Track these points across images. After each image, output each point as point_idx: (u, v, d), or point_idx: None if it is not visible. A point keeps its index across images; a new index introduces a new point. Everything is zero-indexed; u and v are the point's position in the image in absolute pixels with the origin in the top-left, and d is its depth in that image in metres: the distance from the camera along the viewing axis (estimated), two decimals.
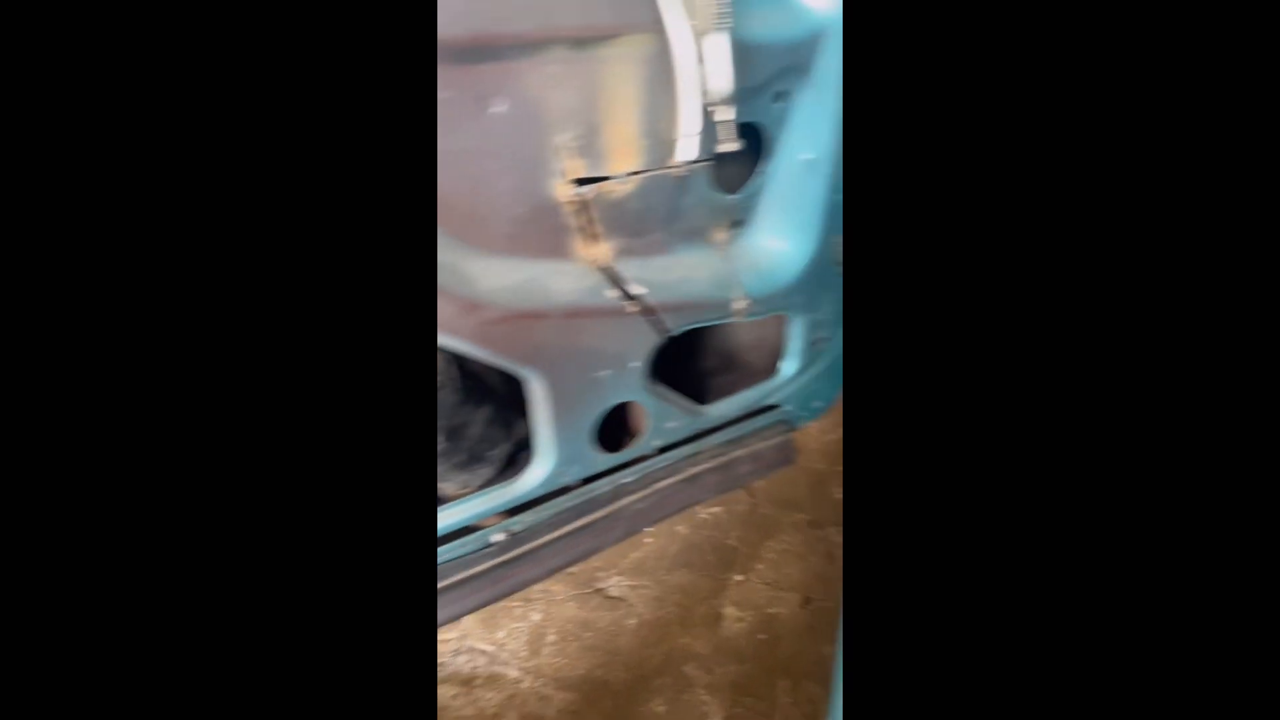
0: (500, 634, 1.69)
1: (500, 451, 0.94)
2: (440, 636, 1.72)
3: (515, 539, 0.97)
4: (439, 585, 0.89)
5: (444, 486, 0.95)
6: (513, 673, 1.60)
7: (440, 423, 0.83)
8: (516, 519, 0.98)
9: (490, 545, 0.95)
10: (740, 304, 1.01)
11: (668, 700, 1.51)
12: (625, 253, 0.89)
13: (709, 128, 0.82)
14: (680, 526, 2.02)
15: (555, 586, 1.83)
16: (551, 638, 1.68)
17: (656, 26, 0.73)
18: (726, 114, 0.76)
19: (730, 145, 0.79)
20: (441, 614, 0.88)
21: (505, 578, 0.93)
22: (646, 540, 1.97)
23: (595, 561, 1.92)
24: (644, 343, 0.94)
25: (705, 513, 2.07)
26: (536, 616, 1.74)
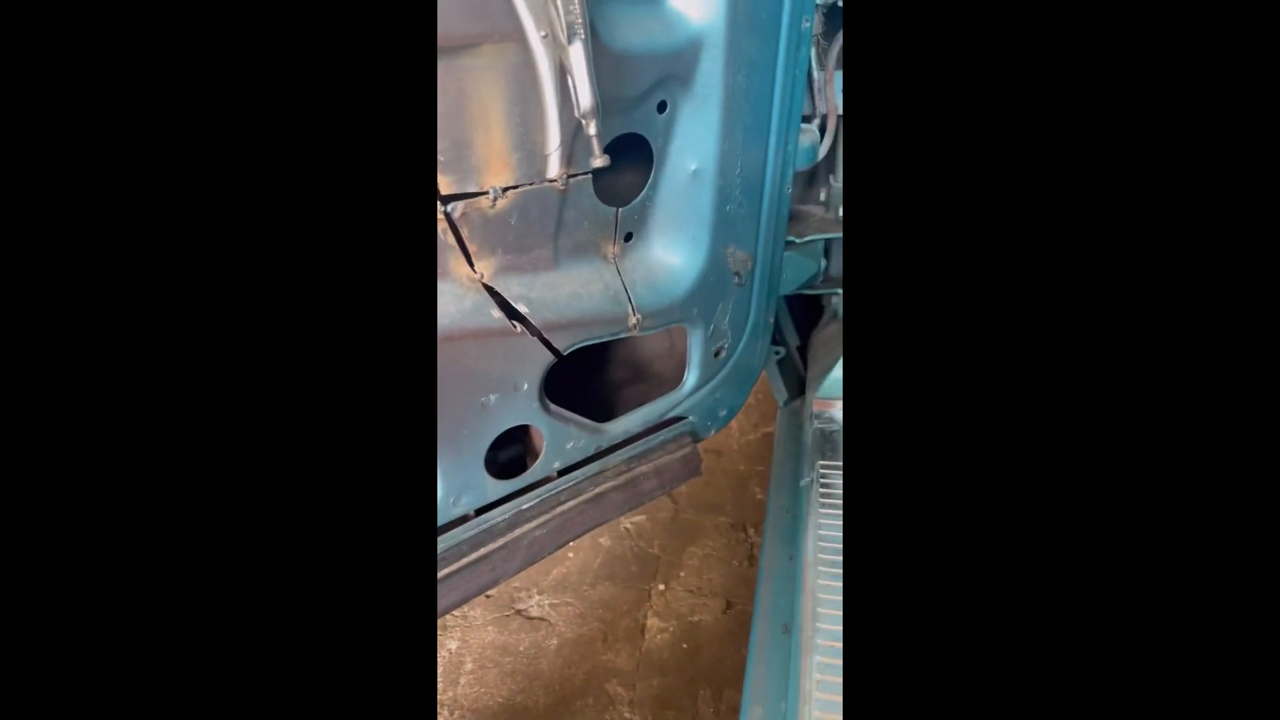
0: None
1: None
2: None
3: None
4: None
5: None
6: None
7: None
8: None
9: None
10: (633, 319, 0.98)
11: None
12: (508, 269, 0.85)
13: (582, 141, 0.79)
14: (603, 538, 1.99)
15: (473, 611, 1.76)
16: (469, 666, 1.61)
17: (518, 35, 0.69)
18: (592, 128, 0.73)
19: (599, 161, 0.76)
20: None
21: None
22: (569, 555, 1.93)
23: (515, 581, 1.86)
24: (534, 363, 0.90)
25: (628, 522, 2.05)
26: (453, 645, 1.67)
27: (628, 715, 1.49)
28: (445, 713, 1.50)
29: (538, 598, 1.80)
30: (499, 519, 1.00)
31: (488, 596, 1.80)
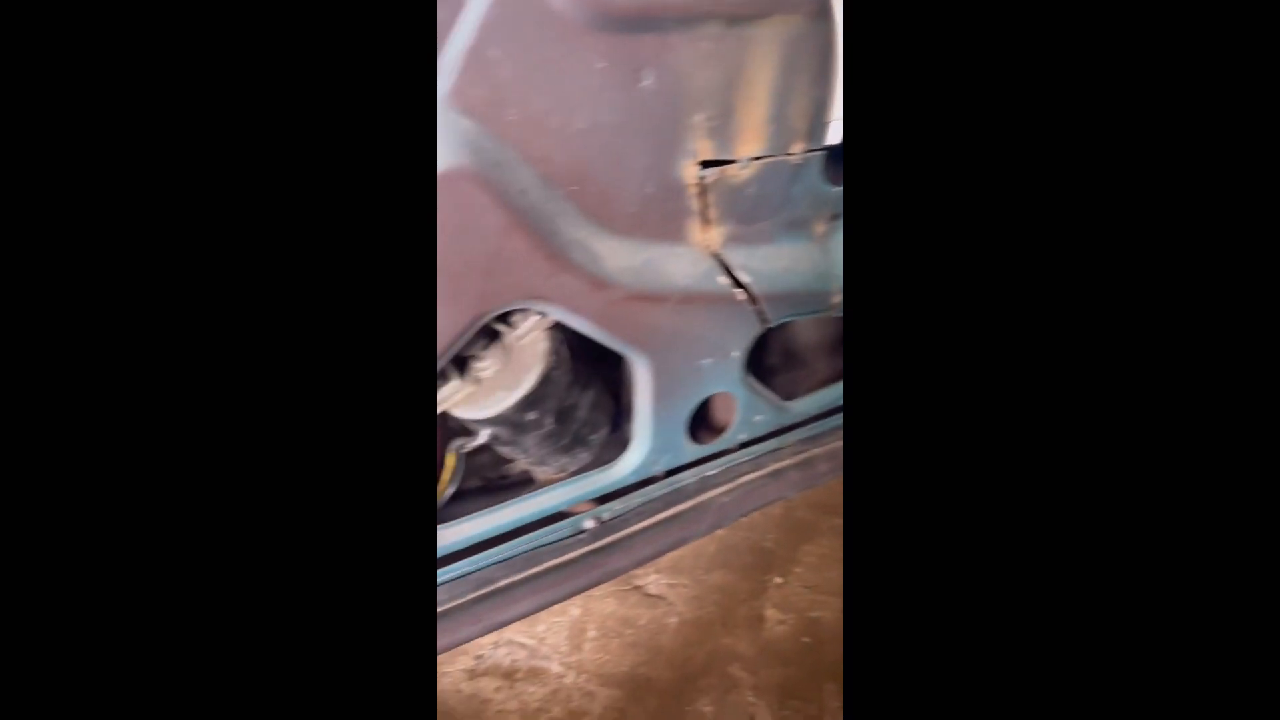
0: (540, 628, 1.67)
1: (600, 436, 0.92)
2: None
3: (605, 527, 0.95)
4: (534, 570, 0.87)
5: (541, 470, 0.93)
6: (555, 667, 1.58)
7: (551, 403, 0.81)
8: (606, 507, 0.96)
9: (581, 532, 0.94)
10: (836, 298, 1.00)
11: (714, 701, 1.50)
12: (734, 240, 0.88)
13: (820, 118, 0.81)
14: None
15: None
16: (592, 633, 1.66)
17: (808, 8, 0.72)
18: None
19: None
20: (535, 600, 0.86)
21: (597, 566, 0.91)
22: None
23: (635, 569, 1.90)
24: (746, 332, 0.93)
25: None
26: (576, 612, 1.72)
27: (752, 699, 1.50)
28: (573, 675, 1.55)
29: (654, 576, 1.83)
30: (688, 482, 1.03)
31: None
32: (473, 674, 1.56)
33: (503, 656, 1.60)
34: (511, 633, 1.66)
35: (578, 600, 1.74)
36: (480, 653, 1.61)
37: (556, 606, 1.73)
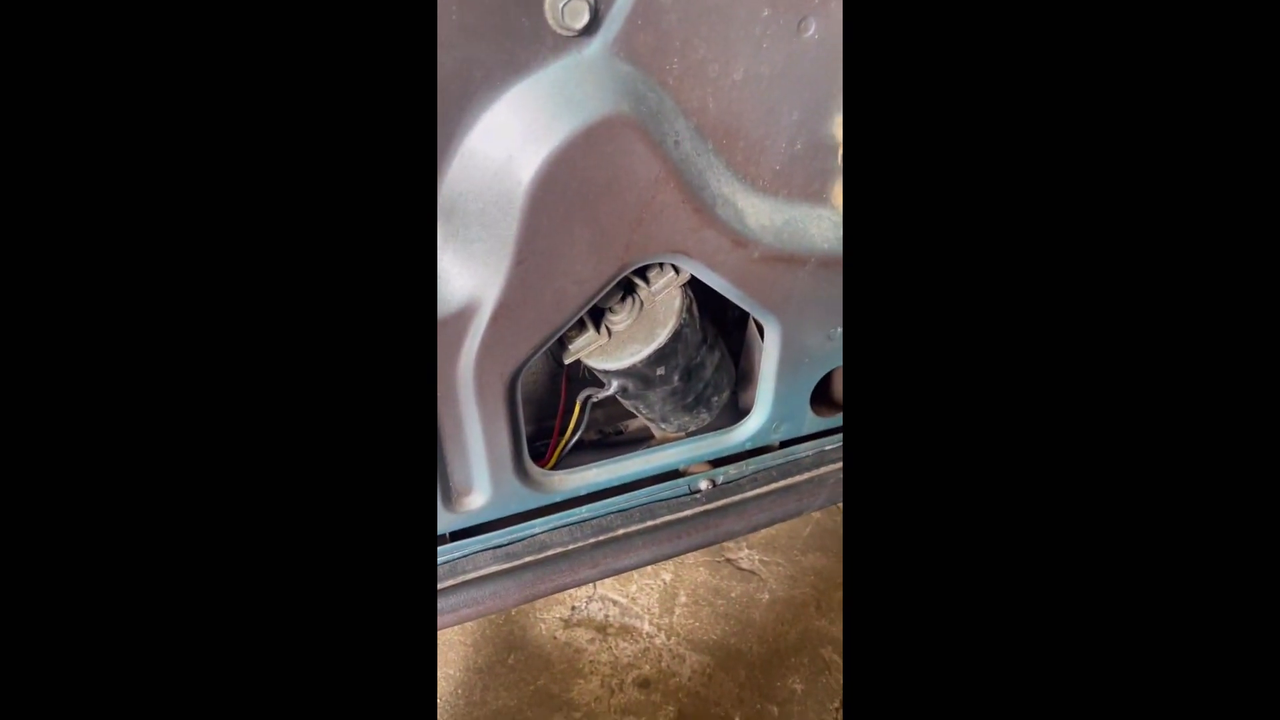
0: (632, 588, 1.71)
1: (722, 398, 0.92)
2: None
3: (719, 490, 0.95)
4: (651, 523, 0.89)
5: (662, 427, 0.94)
6: (646, 627, 1.62)
7: (680, 360, 0.82)
8: (720, 470, 0.97)
9: (696, 492, 0.95)
10: None
11: (804, 679, 1.48)
12: None
13: None
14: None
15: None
16: (683, 599, 1.68)
17: None
18: None
19: None
20: (651, 552, 0.88)
21: (710, 526, 0.91)
22: None
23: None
24: None
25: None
26: (667, 576, 1.75)
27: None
28: (663, 636, 1.59)
29: (747, 551, 1.82)
30: (804, 454, 1.01)
31: None
32: (568, 623, 1.62)
33: (596, 611, 1.66)
34: (605, 589, 1.72)
35: (669, 565, 1.77)
36: (575, 604, 1.68)
37: (649, 569, 1.78)
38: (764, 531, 1.89)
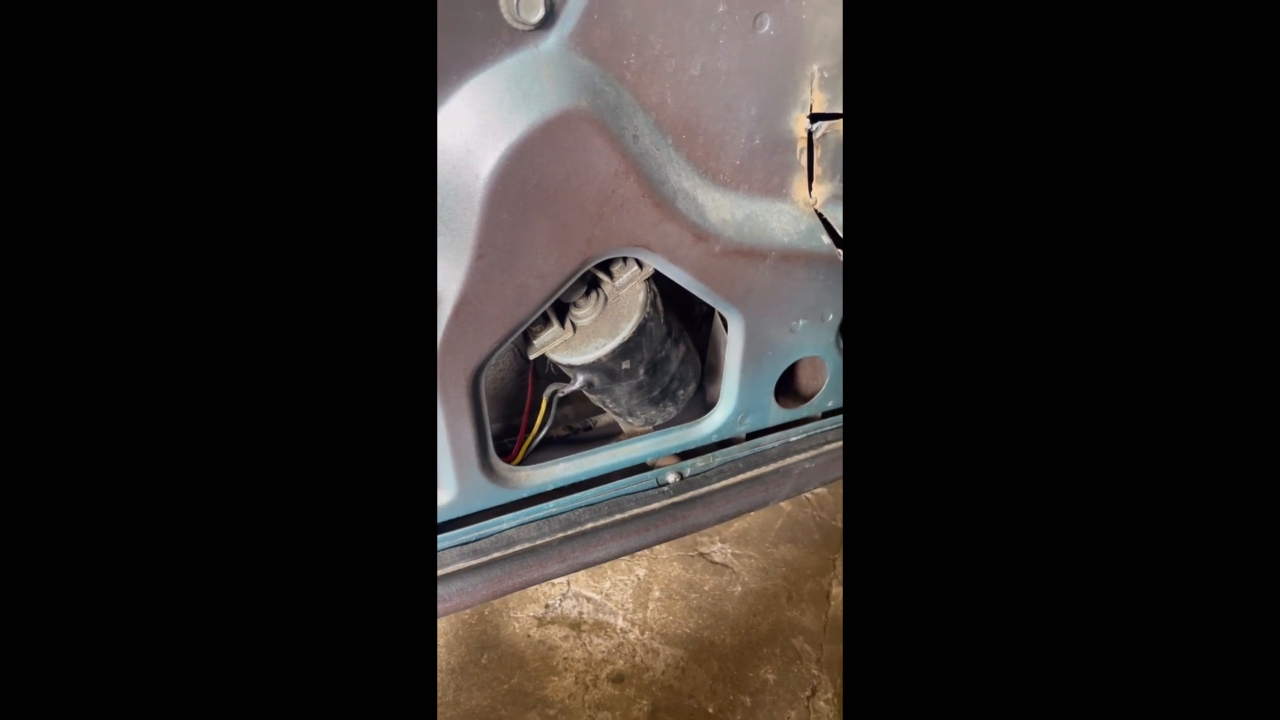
0: (606, 584, 1.72)
1: (687, 392, 0.93)
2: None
3: (686, 482, 0.96)
4: (618, 516, 0.90)
5: (628, 421, 0.95)
6: (620, 622, 1.62)
7: (645, 354, 0.82)
8: (688, 463, 0.98)
9: (664, 485, 0.95)
10: None
11: (777, 670, 1.50)
12: (837, 198, 0.86)
13: None
14: (784, 503, 1.99)
15: (658, 545, 1.84)
16: (657, 594, 1.69)
17: None
18: None
19: None
20: (619, 545, 0.89)
21: (677, 518, 0.92)
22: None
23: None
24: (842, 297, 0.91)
25: (809, 493, 2.04)
26: (641, 572, 1.75)
27: (815, 672, 1.50)
28: (637, 631, 1.59)
29: (720, 545, 1.84)
30: (770, 445, 1.03)
31: None
32: (542, 621, 1.62)
33: (570, 608, 1.66)
34: (579, 586, 1.72)
35: (643, 561, 1.78)
36: (549, 602, 1.67)
37: (623, 565, 1.78)
38: (736, 525, 1.91)
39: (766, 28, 0.67)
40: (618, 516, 0.90)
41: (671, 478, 0.96)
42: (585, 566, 0.87)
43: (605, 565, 1.77)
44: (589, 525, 0.88)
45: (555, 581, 1.73)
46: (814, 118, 0.77)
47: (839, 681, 1.47)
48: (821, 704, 1.43)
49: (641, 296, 0.79)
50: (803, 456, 1.01)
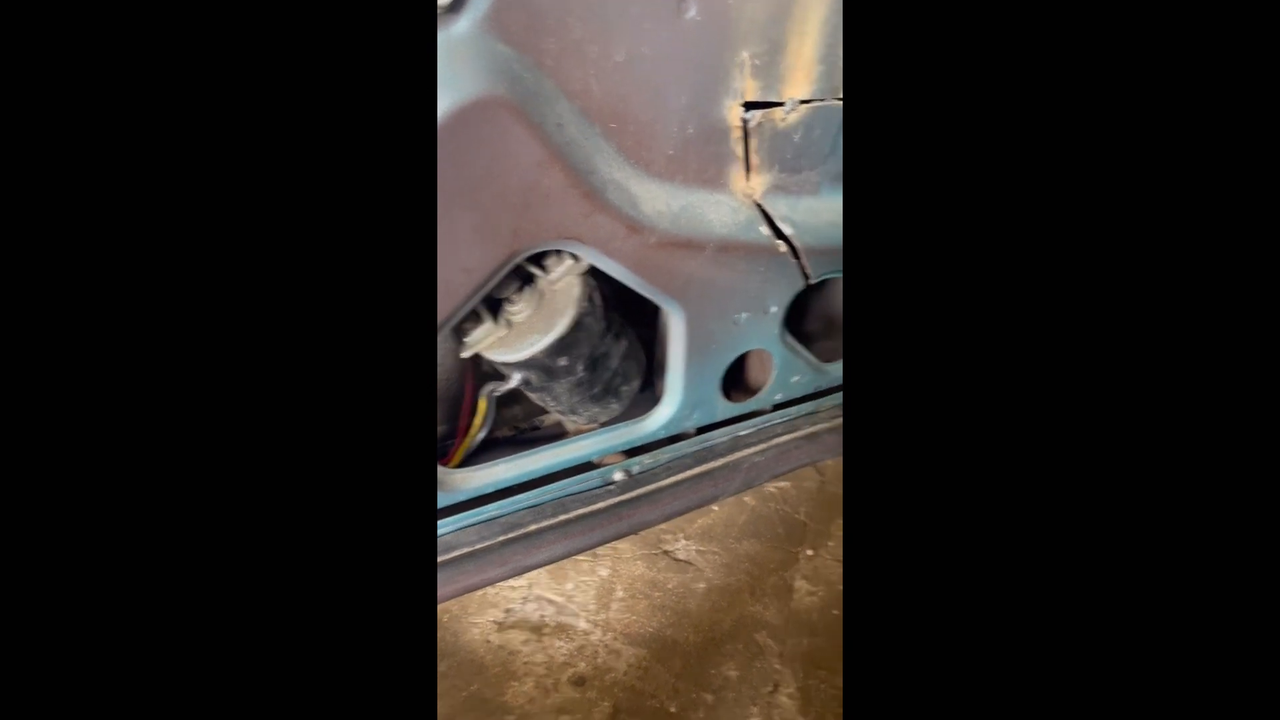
0: (569, 586, 1.69)
1: (631, 388, 0.91)
2: (510, 583, 1.73)
3: (633, 480, 0.95)
4: (563, 517, 0.87)
5: (572, 419, 0.93)
6: (582, 624, 1.60)
7: (584, 350, 0.80)
8: (635, 460, 0.96)
9: (610, 484, 0.93)
10: None
11: (739, 666, 1.50)
12: (777, 188, 0.85)
13: None
14: (748, 498, 1.99)
15: (622, 544, 1.82)
16: (620, 594, 1.67)
17: None
18: None
19: None
20: (564, 547, 0.86)
21: (624, 517, 0.90)
22: (713, 508, 1.95)
23: (661, 524, 1.91)
24: (786, 288, 0.90)
25: (773, 486, 2.04)
26: (604, 572, 1.73)
27: (778, 666, 1.49)
28: (600, 632, 1.57)
29: (684, 542, 1.83)
30: (719, 440, 1.01)
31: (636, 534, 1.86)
32: (502, 626, 1.59)
33: (531, 611, 1.63)
34: (540, 588, 1.69)
35: (606, 561, 1.76)
36: (510, 605, 1.64)
37: (585, 566, 1.76)
38: (700, 520, 1.91)
39: (692, 13, 0.66)
40: (562, 517, 0.88)
41: (618, 476, 0.94)
42: (528, 570, 0.84)
43: (568, 567, 1.75)
44: (532, 527, 0.86)
45: (516, 584, 1.70)
46: (748, 106, 0.75)
47: (801, 676, 1.47)
48: (783, 699, 1.43)
49: (577, 290, 0.77)
50: (752, 450, 1.01)
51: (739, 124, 0.76)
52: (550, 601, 1.66)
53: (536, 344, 0.77)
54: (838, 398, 1.10)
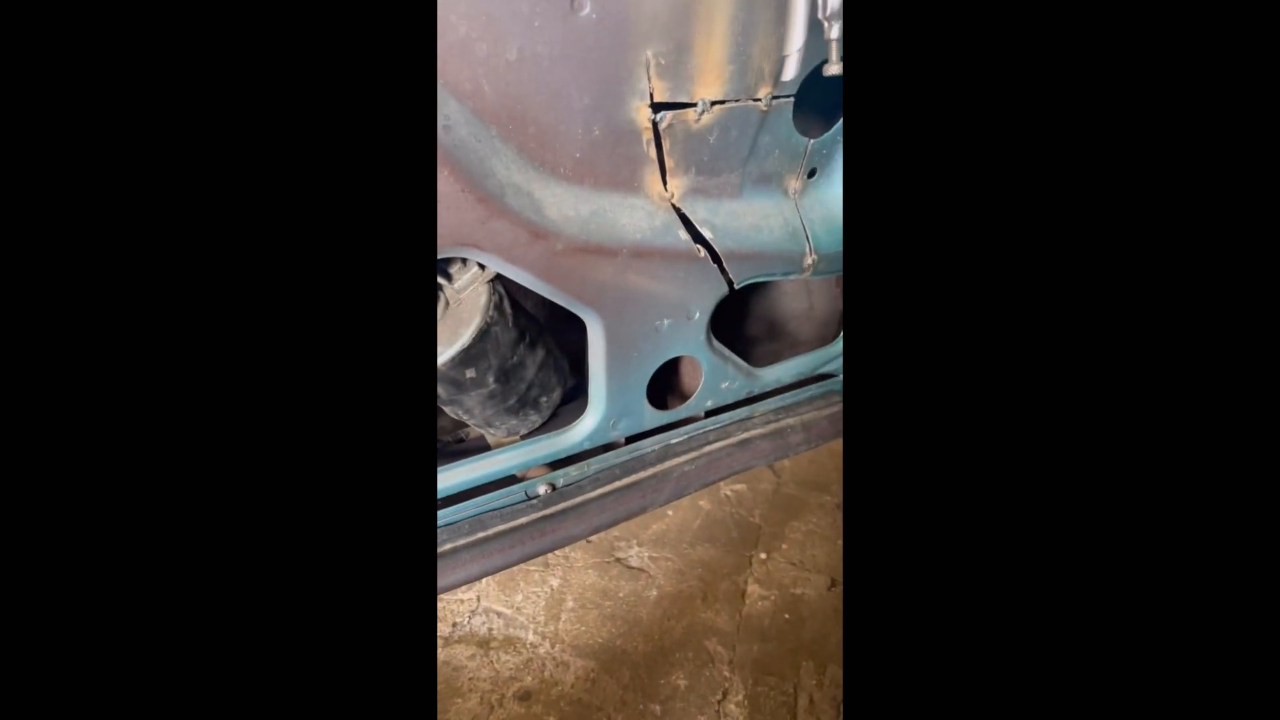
0: (518, 597, 1.66)
1: (551, 399, 0.88)
2: (458, 596, 1.69)
3: (558, 493, 0.92)
4: (480, 535, 0.84)
5: (490, 432, 0.90)
6: (530, 637, 1.56)
7: (493, 361, 0.77)
8: (560, 472, 0.93)
9: (534, 498, 0.90)
10: (809, 259, 0.94)
11: (689, 674, 1.48)
12: (695, 192, 0.83)
13: (813, 48, 0.74)
14: (703, 501, 1.97)
15: (574, 553, 1.79)
16: (570, 604, 1.64)
17: None
18: (834, 31, 0.69)
19: (834, 69, 0.72)
20: (480, 566, 0.83)
21: (548, 532, 0.87)
22: (668, 512, 1.93)
23: (615, 531, 1.88)
24: (709, 293, 0.88)
25: (728, 489, 2.02)
26: (555, 582, 1.70)
27: (727, 674, 1.48)
28: (548, 645, 1.54)
29: (637, 549, 1.81)
30: (649, 449, 0.99)
31: (589, 541, 1.83)
32: (447, 641, 1.55)
33: (479, 625, 1.59)
34: (489, 600, 1.65)
35: (558, 571, 1.73)
36: (457, 620, 1.60)
37: (536, 576, 1.73)
38: (654, 526, 1.88)
39: (586, 10, 0.63)
40: (480, 535, 0.84)
41: (542, 489, 0.91)
42: (443, 591, 0.81)
43: (518, 577, 1.71)
44: (447, 546, 0.82)
45: (463, 597, 1.66)
46: (655, 107, 0.73)
47: (750, 683, 1.46)
48: (731, 707, 1.41)
49: (484, 300, 0.74)
50: (683, 459, 0.98)
51: (649, 125, 0.74)
52: (499, 614, 1.62)
53: (440, 355, 0.73)
54: (773, 403, 1.09)
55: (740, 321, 1.32)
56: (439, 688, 1.45)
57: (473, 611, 1.63)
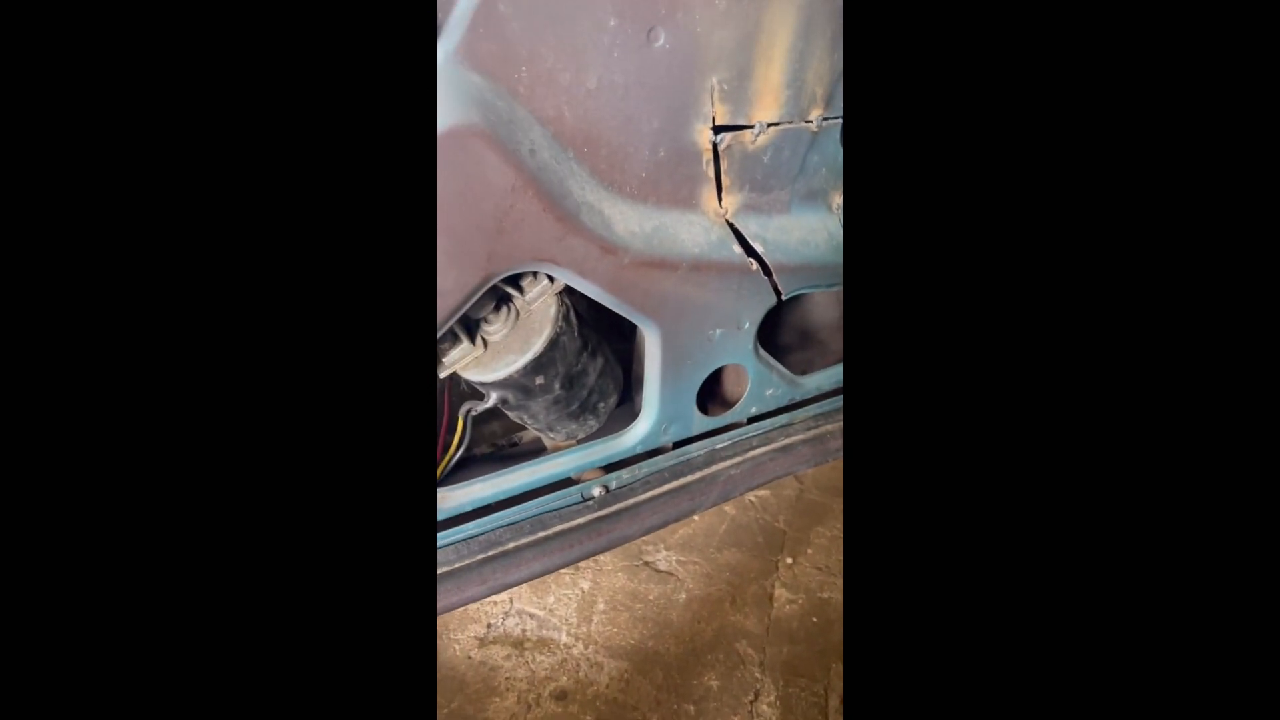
0: (550, 599, 1.69)
1: (608, 405, 0.92)
2: (491, 598, 1.72)
3: (612, 495, 0.95)
4: (541, 534, 0.88)
5: (550, 436, 0.94)
6: (564, 638, 1.60)
7: (560, 369, 0.81)
8: (613, 475, 0.97)
9: (589, 500, 0.94)
10: None
11: (720, 675, 1.51)
12: (748, 208, 0.87)
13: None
14: (728, 507, 2.00)
15: (603, 557, 1.82)
16: (601, 606, 1.67)
17: None
18: None
19: None
20: (542, 564, 0.87)
21: (604, 532, 0.91)
22: (694, 517, 1.96)
23: (640, 538, 1.92)
24: (759, 304, 0.92)
25: (752, 496, 2.06)
26: (585, 585, 1.74)
27: (758, 675, 1.51)
28: (581, 646, 1.57)
29: (665, 553, 1.84)
30: (696, 454, 1.03)
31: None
32: (483, 642, 1.58)
33: (513, 626, 1.63)
34: (522, 603, 1.69)
35: (588, 574, 1.76)
36: (491, 621, 1.64)
37: (567, 579, 1.76)
38: (681, 531, 1.92)
39: (661, 41, 0.68)
40: (541, 534, 0.88)
41: (597, 491, 0.95)
42: (508, 587, 0.85)
43: (549, 580, 1.75)
44: (511, 545, 0.86)
45: (497, 600, 1.69)
46: (717, 129, 0.77)
47: (781, 684, 1.49)
48: (764, 707, 1.44)
49: (553, 311, 0.78)
50: (728, 463, 1.02)
51: (709, 146, 0.78)
52: (532, 616, 1.66)
53: (513, 364, 0.77)
54: (814, 409, 1.13)
55: (774, 331, 1.36)
56: (476, 687, 1.48)
57: (506, 613, 1.66)
